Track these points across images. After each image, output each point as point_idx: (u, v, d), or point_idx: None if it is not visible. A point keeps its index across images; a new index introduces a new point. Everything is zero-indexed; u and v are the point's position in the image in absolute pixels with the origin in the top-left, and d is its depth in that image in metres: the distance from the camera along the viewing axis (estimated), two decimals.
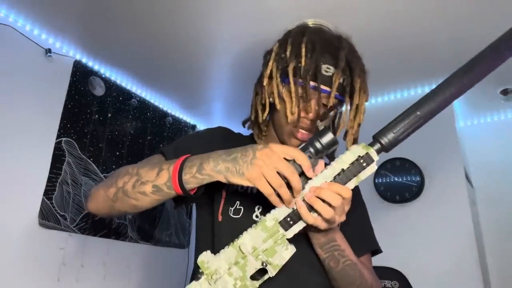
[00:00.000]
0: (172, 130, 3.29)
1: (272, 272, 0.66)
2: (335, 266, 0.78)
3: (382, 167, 2.88)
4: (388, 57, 2.51)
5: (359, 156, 0.65)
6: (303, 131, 0.84)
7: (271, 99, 0.86)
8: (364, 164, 0.64)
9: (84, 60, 2.63)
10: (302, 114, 0.82)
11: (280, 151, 0.65)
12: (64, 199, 2.36)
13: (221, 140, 0.89)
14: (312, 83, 0.81)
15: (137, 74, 2.85)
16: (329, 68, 0.81)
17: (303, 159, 0.65)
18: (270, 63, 0.85)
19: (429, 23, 2.17)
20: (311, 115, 0.82)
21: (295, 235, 0.69)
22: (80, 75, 2.57)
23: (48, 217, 2.26)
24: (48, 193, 2.28)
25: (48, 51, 2.36)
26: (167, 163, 0.72)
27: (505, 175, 3.02)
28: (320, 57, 0.82)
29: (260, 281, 0.66)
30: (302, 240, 0.77)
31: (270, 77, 0.85)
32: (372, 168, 0.65)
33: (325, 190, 0.64)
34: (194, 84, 2.92)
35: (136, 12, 2.15)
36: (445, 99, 0.65)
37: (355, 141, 0.87)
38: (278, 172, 0.64)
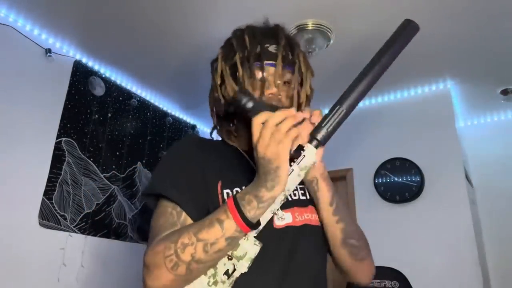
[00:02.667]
0: (172, 130, 3.30)
1: (239, 267, 0.69)
2: (339, 201, 0.85)
3: (382, 167, 2.89)
4: None
5: (302, 149, 0.74)
6: None
7: (227, 98, 0.90)
8: (300, 156, 0.73)
9: (84, 60, 2.63)
10: (268, 92, 0.86)
11: (266, 138, 0.69)
12: (64, 199, 2.36)
13: (200, 149, 0.90)
14: (257, 63, 0.86)
15: (137, 74, 2.85)
16: (276, 47, 0.89)
17: (273, 119, 0.69)
18: (219, 65, 0.91)
19: (430, 24, 2.17)
20: (274, 89, 0.86)
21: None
22: (80, 75, 2.57)
23: (48, 217, 2.26)
24: (48, 193, 2.28)
25: (48, 51, 2.36)
26: (219, 213, 0.72)
27: (505, 175, 3.02)
28: (263, 40, 0.89)
29: (232, 277, 0.70)
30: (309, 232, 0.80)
31: (222, 78, 0.90)
32: (311, 156, 0.73)
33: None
34: (194, 84, 2.92)
35: (136, 12, 2.15)
36: (361, 90, 0.77)
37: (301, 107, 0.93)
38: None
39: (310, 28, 2.19)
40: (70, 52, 2.55)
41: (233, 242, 0.70)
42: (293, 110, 0.71)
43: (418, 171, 2.77)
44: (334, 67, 2.65)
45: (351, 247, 0.86)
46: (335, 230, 0.84)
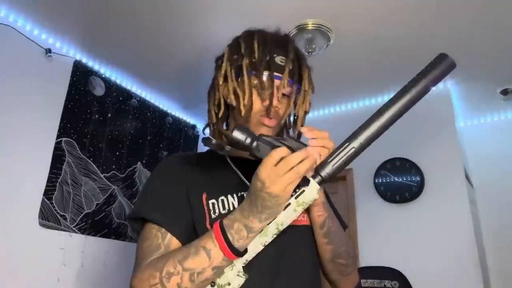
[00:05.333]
0: (172, 130, 3.30)
1: None
2: (332, 225, 0.84)
3: (382, 167, 2.89)
4: (388, 57, 2.51)
5: (299, 184, 0.69)
6: (270, 118, 0.87)
7: (228, 100, 0.88)
8: (298, 189, 0.69)
9: (84, 60, 2.63)
10: (266, 103, 0.86)
11: (280, 175, 0.66)
12: (64, 199, 2.36)
13: (182, 167, 0.89)
14: (266, 72, 0.85)
15: (137, 74, 2.85)
16: (283, 59, 0.87)
17: (293, 160, 0.68)
18: (224, 65, 0.89)
19: (429, 24, 2.17)
20: (275, 102, 0.85)
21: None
22: (80, 75, 2.57)
23: (48, 217, 2.26)
24: (48, 193, 2.28)
25: (48, 51, 2.36)
26: (206, 240, 0.71)
27: (505, 175, 3.02)
28: (273, 49, 0.87)
29: None
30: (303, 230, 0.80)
31: (225, 78, 0.89)
32: (311, 193, 0.68)
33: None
34: (194, 84, 2.92)
35: (136, 12, 2.15)
36: (377, 128, 0.71)
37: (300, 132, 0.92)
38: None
39: (310, 28, 2.19)
40: (70, 52, 2.54)
41: (219, 271, 0.70)
42: (310, 150, 0.70)
43: (418, 171, 2.77)
44: (334, 67, 2.65)
45: (339, 265, 0.88)
46: (324, 249, 0.86)
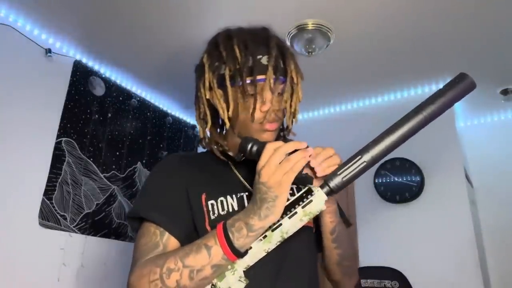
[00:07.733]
0: (172, 130, 3.30)
1: None
2: (341, 230, 0.85)
3: (382, 167, 2.89)
4: (388, 57, 2.51)
5: (304, 192, 0.70)
6: (270, 122, 0.85)
7: (221, 110, 0.87)
8: (306, 199, 0.69)
9: (84, 60, 2.63)
10: (263, 109, 0.83)
11: (273, 165, 0.67)
12: (64, 199, 2.36)
13: (183, 166, 0.89)
14: (249, 79, 0.81)
15: (137, 74, 2.85)
16: (267, 58, 0.83)
17: (285, 147, 0.69)
18: (207, 75, 0.87)
19: (430, 23, 2.17)
20: (267, 106, 0.83)
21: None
22: (80, 75, 2.58)
23: (48, 217, 2.26)
24: (48, 193, 2.28)
25: (48, 51, 2.36)
26: (208, 238, 0.71)
27: (505, 175, 3.02)
28: (255, 51, 0.83)
29: None
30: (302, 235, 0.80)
31: (210, 89, 0.87)
32: (318, 203, 0.69)
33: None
34: (194, 84, 2.92)
35: (136, 12, 2.15)
36: (391, 143, 0.71)
37: (294, 117, 0.89)
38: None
39: (310, 28, 2.19)
40: (70, 52, 2.54)
41: (219, 270, 0.70)
42: (305, 143, 0.70)
43: (418, 171, 2.77)
44: (334, 67, 2.65)
45: (344, 267, 0.90)
46: (332, 253, 0.87)
